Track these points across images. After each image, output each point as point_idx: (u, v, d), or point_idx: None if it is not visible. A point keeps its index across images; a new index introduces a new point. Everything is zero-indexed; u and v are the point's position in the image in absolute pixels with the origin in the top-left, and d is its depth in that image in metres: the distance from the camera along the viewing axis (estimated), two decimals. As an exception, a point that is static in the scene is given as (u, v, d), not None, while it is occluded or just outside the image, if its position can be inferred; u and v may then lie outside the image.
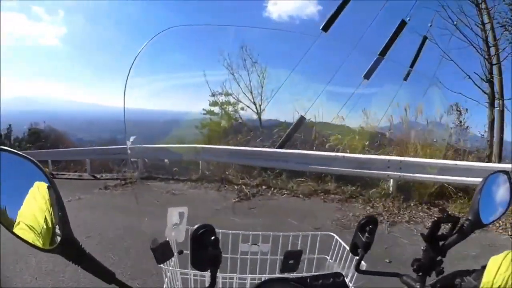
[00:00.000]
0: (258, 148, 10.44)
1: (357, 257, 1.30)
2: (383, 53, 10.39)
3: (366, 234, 1.23)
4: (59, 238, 0.88)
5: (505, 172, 1.26)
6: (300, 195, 8.44)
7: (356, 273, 1.36)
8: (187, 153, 10.58)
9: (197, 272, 1.43)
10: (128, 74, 1.48)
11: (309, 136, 11.21)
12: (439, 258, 1.17)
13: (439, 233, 1.17)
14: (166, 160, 11.23)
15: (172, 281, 1.46)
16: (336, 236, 1.62)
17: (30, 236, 0.86)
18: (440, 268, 1.16)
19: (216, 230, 1.04)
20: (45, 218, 0.88)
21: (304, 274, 1.37)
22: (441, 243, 1.17)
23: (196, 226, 1.01)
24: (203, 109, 14.81)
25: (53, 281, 4.26)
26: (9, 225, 0.85)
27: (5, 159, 0.84)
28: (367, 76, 10.32)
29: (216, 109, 15.00)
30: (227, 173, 10.16)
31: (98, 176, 12.53)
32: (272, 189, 8.95)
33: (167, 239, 1.27)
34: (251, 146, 10.91)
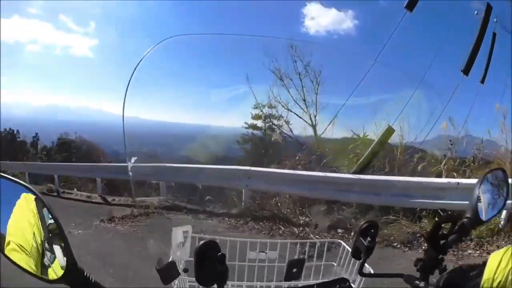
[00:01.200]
0: (325, 173, 7.32)
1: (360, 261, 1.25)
2: (466, 70, 8.38)
3: (368, 239, 1.20)
4: (60, 266, 0.86)
5: (501, 169, 1.33)
6: (395, 243, 5.71)
7: (363, 278, 1.35)
8: (227, 177, 7.76)
9: None
10: (130, 81, 1.20)
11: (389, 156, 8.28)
12: (440, 256, 1.17)
13: (440, 232, 1.18)
14: (199, 186, 8.64)
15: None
16: (343, 243, 1.60)
17: (21, 259, 0.84)
18: (443, 266, 1.16)
19: (224, 238, 1.28)
20: (34, 235, 0.86)
21: (311, 282, 1.45)
22: (442, 242, 1.16)
23: (200, 243, 0.99)
24: (245, 123, 12.80)
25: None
26: (2, 246, 0.84)
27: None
28: (467, 70, 8.27)
29: (259, 123, 12.92)
30: (280, 207, 7.45)
31: (109, 199, 10.07)
32: (350, 233, 6.11)
33: (172, 258, 1.23)
34: (311, 170, 7.99)
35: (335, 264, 1.61)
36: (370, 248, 1.20)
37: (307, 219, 6.84)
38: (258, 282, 1.59)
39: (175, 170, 8.55)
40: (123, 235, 6.56)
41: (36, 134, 30.84)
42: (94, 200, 10.13)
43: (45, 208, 0.87)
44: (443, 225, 1.19)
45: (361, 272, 1.24)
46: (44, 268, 0.86)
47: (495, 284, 0.91)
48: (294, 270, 1.39)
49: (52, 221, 0.88)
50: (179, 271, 1.24)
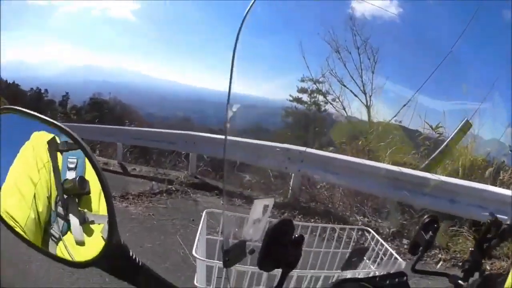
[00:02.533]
0: (399, 168, 5.41)
1: (415, 256, 1.19)
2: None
3: (430, 233, 1.15)
4: (95, 244, 0.63)
5: None
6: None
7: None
8: (275, 156, 6.01)
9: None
10: (236, 41, 0.87)
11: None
12: (482, 260, 1.14)
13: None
14: (237, 162, 7.13)
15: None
16: (372, 232, 1.58)
17: (15, 226, 0.63)
18: (482, 270, 1.13)
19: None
20: (34, 198, 0.63)
21: (371, 271, 1.43)
22: (485, 245, 1.13)
23: (276, 221, 0.82)
24: (290, 95, 12.26)
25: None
26: None
27: (9, 121, 0.65)
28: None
29: (305, 97, 12.34)
30: (333, 201, 6.02)
31: (129, 168, 8.62)
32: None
33: (243, 238, 1.00)
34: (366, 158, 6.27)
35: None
36: (430, 242, 1.14)
37: (365, 219, 5.36)
38: (323, 271, 1.48)
39: (209, 141, 7.03)
40: (134, 221, 5.06)
41: (67, 93, 30.61)
42: (111, 168, 8.72)
43: (63, 154, 0.65)
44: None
45: (414, 268, 1.17)
46: (48, 245, 0.63)
47: None
48: (354, 259, 1.31)
49: (71, 175, 0.64)
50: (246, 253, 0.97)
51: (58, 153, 0.66)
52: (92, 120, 19.09)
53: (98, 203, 0.68)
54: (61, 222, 0.65)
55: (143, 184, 6.73)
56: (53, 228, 0.65)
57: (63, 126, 0.66)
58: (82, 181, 0.66)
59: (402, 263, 1.36)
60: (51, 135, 0.66)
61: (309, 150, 5.74)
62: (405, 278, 1.16)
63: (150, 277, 0.70)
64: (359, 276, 1.29)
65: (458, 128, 6.28)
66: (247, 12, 0.99)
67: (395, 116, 7.79)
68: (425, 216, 1.18)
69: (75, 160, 0.67)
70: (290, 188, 5.93)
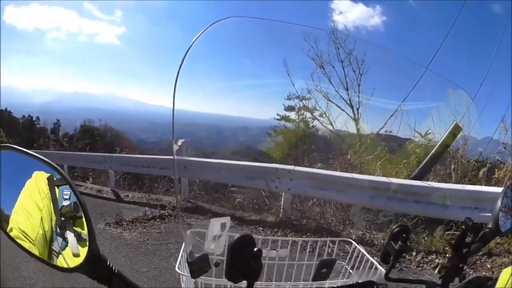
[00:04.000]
0: (389, 178, 5.59)
1: (387, 265, 1.22)
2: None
3: (400, 243, 1.16)
4: (81, 254, 0.80)
5: None
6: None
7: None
8: (264, 176, 6.13)
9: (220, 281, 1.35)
10: (179, 69, 1.13)
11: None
12: (461, 265, 1.17)
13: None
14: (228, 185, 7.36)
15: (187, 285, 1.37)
16: (354, 243, 1.58)
17: (26, 246, 0.79)
18: (463, 275, 1.16)
19: (233, 234, 1.03)
20: (41, 221, 0.80)
21: (338, 282, 1.47)
22: (464, 250, 1.16)
23: (237, 236, 0.91)
24: (278, 115, 12.28)
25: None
26: (5, 227, 0.79)
27: (8, 157, 0.80)
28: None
29: (293, 115, 12.21)
30: (325, 217, 5.99)
31: (122, 195, 8.64)
32: (413, 254, 4.75)
33: (205, 252, 1.16)
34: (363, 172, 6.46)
35: (344, 263, 1.55)
36: (400, 252, 1.15)
37: (360, 232, 5.36)
38: (288, 282, 1.53)
39: (199, 165, 7.10)
40: (129, 246, 5.13)
41: (58, 120, 30.55)
42: (104, 195, 8.77)
43: (59, 188, 0.80)
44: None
45: (387, 277, 1.19)
46: (52, 255, 0.79)
47: None
48: (324, 270, 1.36)
49: (66, 203, 0.81)
50: (210, 265, 1.11)
51: (56, 187, 0.81)
52: (84, 148, 18.98)
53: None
54: (60, 239, 0.79)
55: (136, 210, 6.80)
56: (54, 244, 0.79)
57: (54, 165, 0.80)
58: (76, 206, 0.81)
59: (383, 272, 1.32)
60: (49, 174, 0.80)
61: (297, 168, 5.84)
62: (374, 286, 1.23)
63: (125, 283, 0.84)
64: (335, 286, 1.39)
65: (447, 132, 6.09)
66: (192, 43, 1.19)
67: (382, 128, 7.85)
68: (395, 226, 1.20)
69: (69, 192, 0.81)
70: (282, 207, 5.99)
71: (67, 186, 0.82)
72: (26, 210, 0.79)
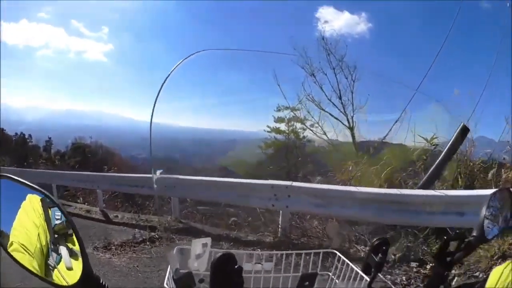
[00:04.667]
0: (399, 190, 5.28)
1: (368, 276, 1.25)
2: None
3: (380, 255, 1.20)
4: (75, 272, 0.85)
5: (508, 189, 1.31)
6: (477, 272, 4.09)
7: None
8: (259, 194, 5.78)
9: None
10: (160, 89, 1.22)
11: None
12: (446, 273, 1.18)
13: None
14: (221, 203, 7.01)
15: None
16: (338, 253, 1.52)
17: (24, 259, 0.83)
18: (447, 283, 1.17)
19: (218, 250, 1.15)
20: (38, 236, 0.85)
21: None
22: (448, 259, 1.17)
23: (218, 255, 0.98)
24: (268, 126, 12.00)
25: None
26: (5, 243, 0.84)
27: (3, 183, 0.84)
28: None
29: (282, 126, 12.05)
30: (327, 234, 5.56)
31: (111, 215, 8.29)
32: (427, 267, 4.26)
33: (189, 269, 1.21)
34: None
35: (330, 274, 1.53)
36: (380, 264, 1.20)
37: (366, 249, 4.84)
38: None
39: (189, 183, 6.75)
40: (118, 273, 4.77)
41: (49, 138, 30.20)
42: (93, 216, 8.42)
43: (51, 209, 0.87)
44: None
45: (370, 287, 1.23)
46: (48, 270, 0.84)
47: None
48: (306, 283, 1.31)
49: (58, 221, 0.87)
50: (195, 281, 1.18)
51: (49, 208, 0.85)
52: (75, 166, 18.77)
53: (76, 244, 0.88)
54: (55, 254, 0.83)
55: (125, 233, 6.45)
56: (50, 259, 0.83)
57: (43, 191, 0.84)
58: (67, 224, 0.85)
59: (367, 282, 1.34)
60: (41, 196, 0.85)
61: (295, 184, 5.49)
62: None
63: None
64: None
65: (455, 134, 5.84)
66: (168, 75, 1.69)
67: (387, 135, 7.53)
68: (375, 239, 1.22)
69: (60, 213, 0.86)
70: (280, 226, 5.63)
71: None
72: (24, 227, 0.82)
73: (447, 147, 5.85)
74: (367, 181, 6.32)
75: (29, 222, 0.83)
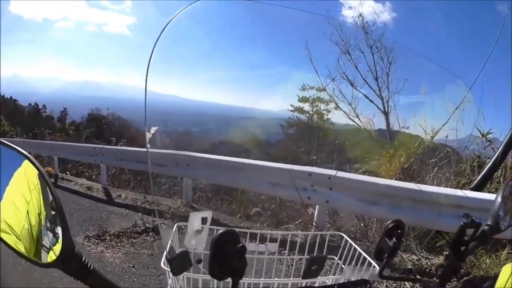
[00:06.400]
0: (448, 190, 4.23)
1: (381, 262, 1.13)
2: None
3: (394, 239, 1.07)
4: (56, 249, 0.77)
5: None
6: None
7: (384, 281, 1.39)
8: (290, 180, 4.55)
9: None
10: (151, 55, 1.24)
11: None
12: (459, 264, 1.12)
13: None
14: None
15: (174, 282, 1.31)
16: (345, 236, 1.50)
17: (11, 240, 0.78)
18: (461, 274, 1.12)
19: (219, 227, 0.97)
20: (27, 214, 0.78)
21: (329, 278, 1.41)
22: (462, 248, 1.10)
23: (219, 232, 0.86)
24: (291, 105, 11.63)
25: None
26: None
27: None
28: None
29: (306, 106, 11.57)
30: (368, 236, 4.54)
31: (113, 194, 7.29)
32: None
33: (185, 247, 1.07)
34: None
35: (336, 258, 1.49)
36: (394, 249, 1.08)
37: (415, 258, 3.93)
38: (277, 279, 1.46)
39: (205, 162, 5.60)
40: (109, 274, 3.74)
41: (65, 109, 29.85)
42: (94, 194, 7.40)
43: (48, 185, 0.79)
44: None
45: (381, 275, 1.12)
46: (38, 251, 0.78)
47: None
48: (314, 267, 1.25)
49: (52, 198, 0.80)
50: (192, 261, 1.05)
51: (46, 184, 0.77)
52: (89, 137, 18.34)
53: None
54: (50, 234, 0.77)
55: (126, 218, 5.45)
56: (44, 240, 0.77)
57: (28, 155, 0.77)
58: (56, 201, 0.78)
59: (376, 269, 1.18)
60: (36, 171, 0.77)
61: (340, 174, 4.34)
62: (368, 285, 1.18)
63: (100, 279, 0.81)
64: (328, 283, 1.32)
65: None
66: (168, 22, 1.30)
67: (445, 123, 6.23)
68: (389, 222, 1.08)
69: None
70: (315, 223, 4.49)
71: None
72: (13, 203, 0.77)
73: (504, 142, 4.70)
74: (423, 179, 5.15)
75: (18, 196, 0.77)
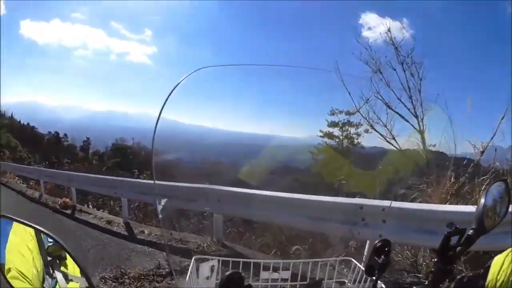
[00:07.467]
0: None
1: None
2: None
3: (382, 257, 1.16)
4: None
5: (504, 180, 1.29)
6: None
7: None
8: (338, 214, 4.10)
9: None
10: (164, 103, 1.40)
11: None
12: (449, 267, 1.17)
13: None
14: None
15: None
16: (354, 261, 1.59)
17: (25, 286, 0.83)
18: (452, 275, 1.16)
19: (237, 259, 1.31)
20: (33, 260, 0.86)
21: None
22: (450, 253, 1.16)
23: (227, 274, 1.00)
24: (320, 131, 12.03)
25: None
26: (3, 271, 0.84)
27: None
28: None
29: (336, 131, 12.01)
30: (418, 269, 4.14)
31: (136, 230, 6.71)
32: None
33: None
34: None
35: (346, 281, 1.61)
36: (383, 265, 1.16)
37: None
38: None
39: (236, 196, 5.10)
40: None
41: (88, 138, 29.89)
42: (114, 229, 6.92)
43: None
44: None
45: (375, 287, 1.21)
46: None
47: (498, 284, 0.94)
48: None
49: (51, 243, 0.89)
50: None
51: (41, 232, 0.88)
52: (113, 168, 18.10)
53: (73, 267, 0.91)
54: (49, 279, 0.86)
55: (149, 257, 4.92)
56: (45, 284, 0.85)
57: (36, 227, 0.88)
58: (60, 246, 0.89)
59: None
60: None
61: (395, 204, 3.71)
62: None
63: None
64: None
65: None
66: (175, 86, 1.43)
67: (492, 139, 5.56)
68: (377, 241, 1.17)
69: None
70: (364, 259, 3.85)
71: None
72: (18, 251, 0.83)
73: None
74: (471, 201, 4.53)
75: (22, 245, 0.83)
